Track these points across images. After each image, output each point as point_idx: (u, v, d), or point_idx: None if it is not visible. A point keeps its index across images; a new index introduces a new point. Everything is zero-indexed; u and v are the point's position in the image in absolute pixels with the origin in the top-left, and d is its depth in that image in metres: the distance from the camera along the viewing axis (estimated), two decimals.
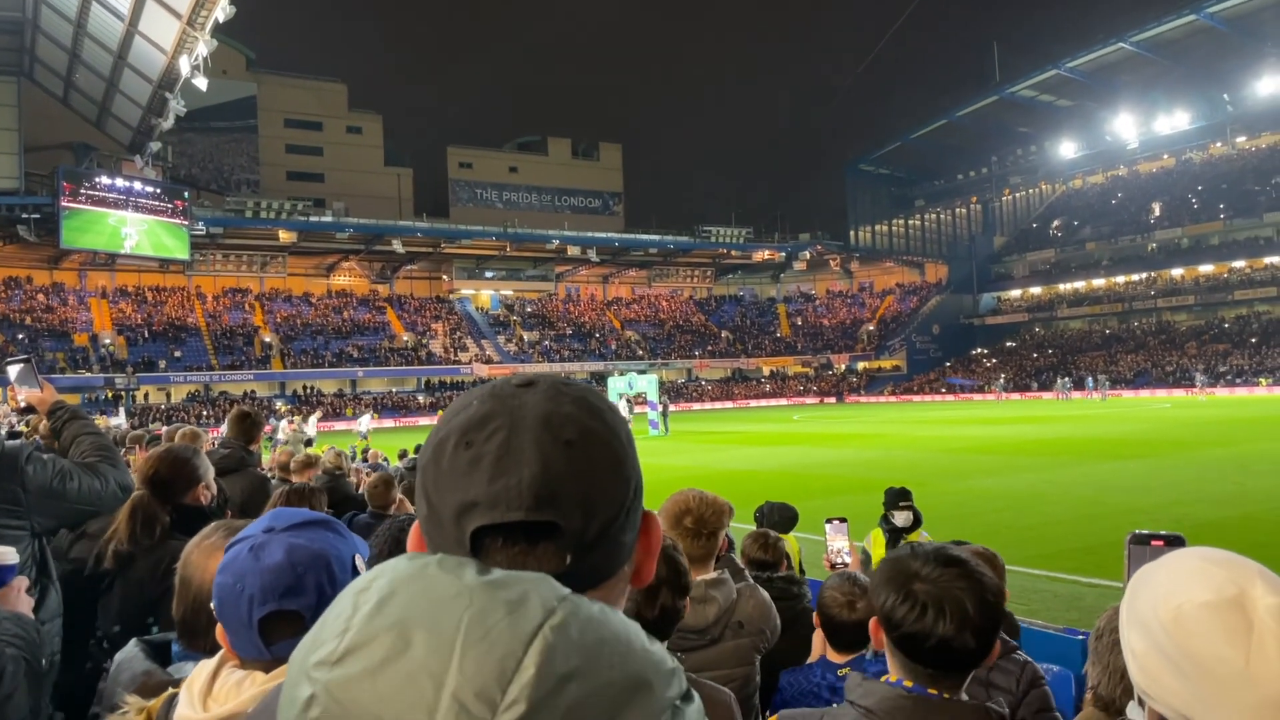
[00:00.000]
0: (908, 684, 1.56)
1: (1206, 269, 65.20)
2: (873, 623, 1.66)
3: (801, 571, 6.35)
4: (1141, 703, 1.13)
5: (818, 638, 3.05)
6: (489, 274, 74.62)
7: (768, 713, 2.93)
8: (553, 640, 0.58)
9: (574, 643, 0.58)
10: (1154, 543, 1.63)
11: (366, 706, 0.56)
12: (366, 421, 36.35)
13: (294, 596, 1.35)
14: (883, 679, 1.62)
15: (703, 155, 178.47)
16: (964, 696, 1.61)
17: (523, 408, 0.73)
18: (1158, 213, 70.50)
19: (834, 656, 2.87)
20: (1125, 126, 72.93)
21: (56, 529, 2.97)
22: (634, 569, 0.79)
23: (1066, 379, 55.18)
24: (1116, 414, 36.17)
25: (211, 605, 1.42)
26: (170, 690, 1.44)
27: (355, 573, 1.43)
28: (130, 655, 1.87)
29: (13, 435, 3.31)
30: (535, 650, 0.57)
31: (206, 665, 1.39)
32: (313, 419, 38.07)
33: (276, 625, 1.35)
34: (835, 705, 1.75)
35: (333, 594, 1.37)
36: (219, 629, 1.41)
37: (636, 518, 0.77)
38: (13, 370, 3.38)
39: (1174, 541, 1.62)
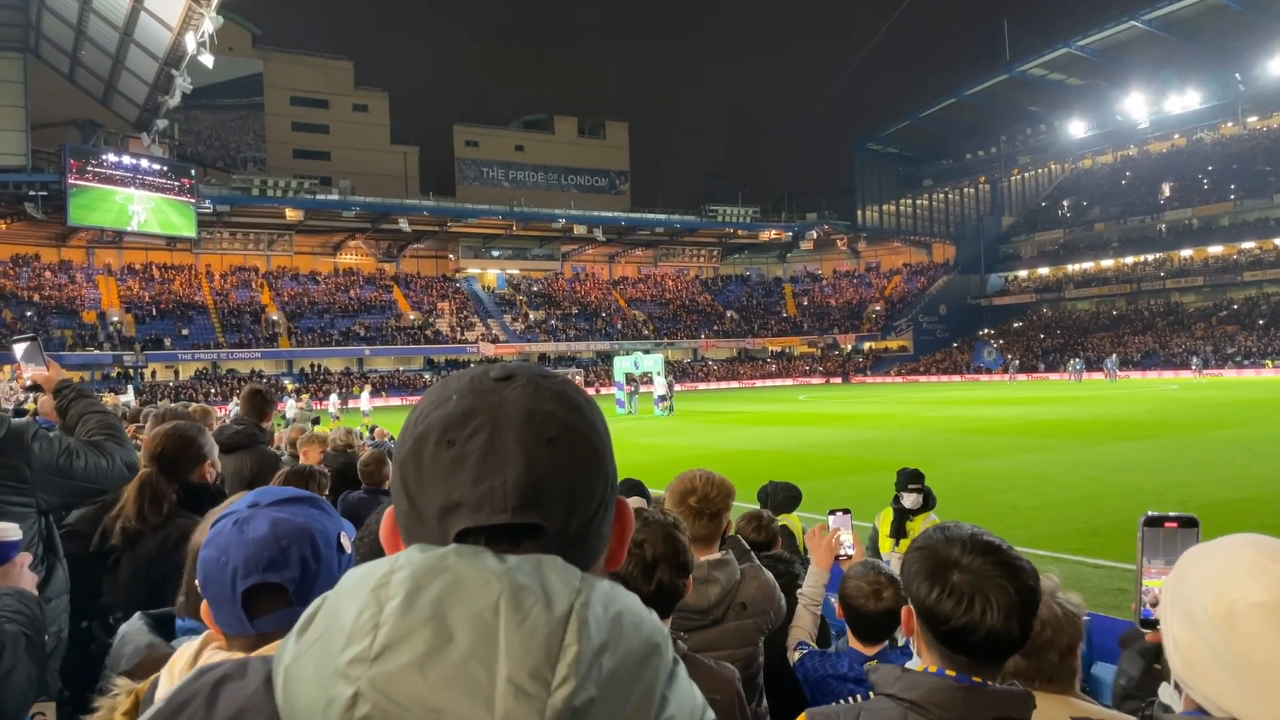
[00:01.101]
0: (951, 673, 1.52)
1: (1216, 250, 64.85)
2: (905, 611, 1.61)
3: (805, 551, 6.36)
4: (1179, 688, 1.12)
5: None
6: (495, 253, 74.55)
7: (800, 701, 2.93)
8: (585, 617, 0.61)
9: (600, 618, 0.62)
10: (1168, 524, 1.61)
11: (420, 699, 0.57)
12: (366, 399, 36.97)
13: (277, 569, 1.36)
14: (920, 669, 1.58)
15: (709, 134, 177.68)
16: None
17: (504, 404, 0.74)
18: (1167, 193, 70.07)
19: (860, 647, 2.86)
20: (1136, 106, 72.30)
21: (62, 507, 2.99)
22: (607, 555, 0.80)
23: (1078, 360, 54.95)
24: (1122, 395, 36.10)
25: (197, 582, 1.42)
26: (157, 674, 1.45)
27: (341, 550, 1.44)
28: (134, 629, 1.89)
29: (19, 413, 3.32)
30: (573, 629, 0.60)
31: (189, 646, 1.40)
32: (333, 398, 38.92)
33: (260, 598, 1.36)
34: (865, 700, 1.71)
35: (317, 568, 1.38)
36: (203, 606, 1.41)
37: (613, 510, 0.78)
38: (19, 348, 3.39)
39: (1188, 523, 1.61)
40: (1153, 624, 1.42)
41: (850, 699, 1.75)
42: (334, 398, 39.63)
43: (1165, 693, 1.15)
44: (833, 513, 3.25)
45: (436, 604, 0.61)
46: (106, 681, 1.88)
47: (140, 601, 2.41)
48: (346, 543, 1.46)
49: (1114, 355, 54.53)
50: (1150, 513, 1.60)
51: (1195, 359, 50.50)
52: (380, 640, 0.60)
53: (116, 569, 2.89)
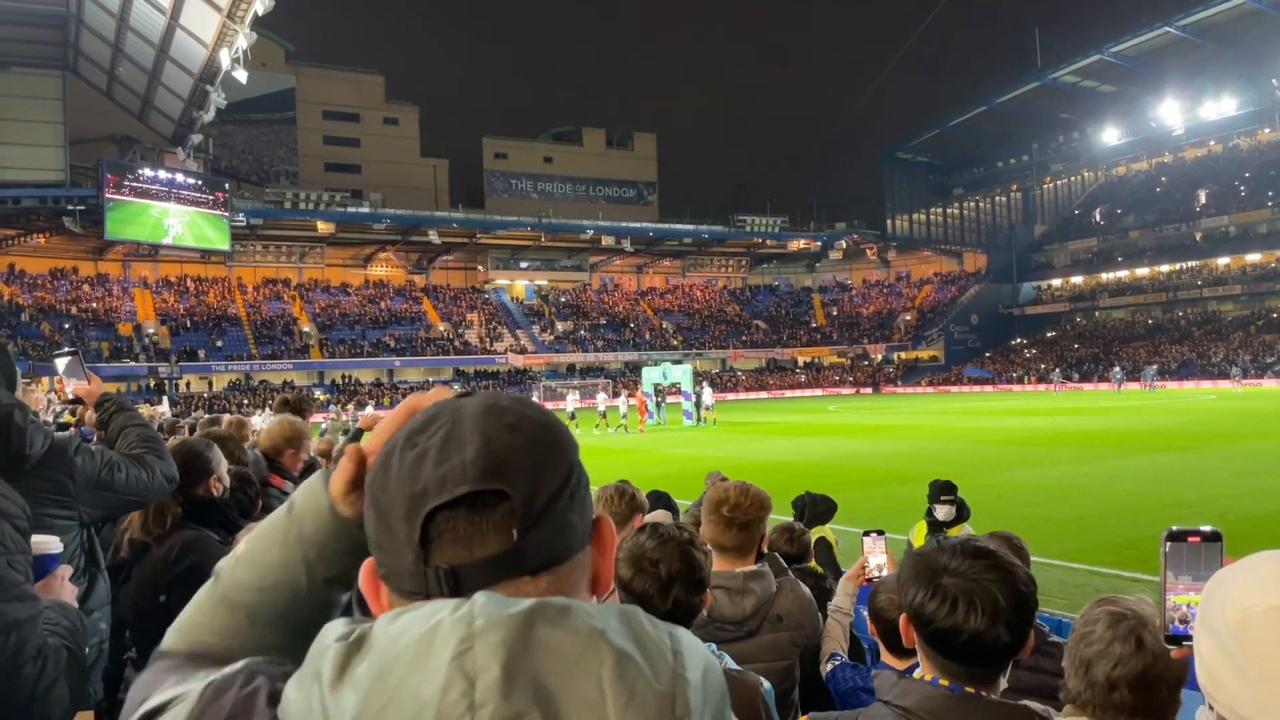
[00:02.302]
0: (944, 682, 1.52)
1: (1254, 258, 63.77)
2: (903, 620, 1.62)
3: (835, 563, 6.32)
4: (1211, 707, 1.11)
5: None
6: (524, 264, 74.92)
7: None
8: (686, 682, 0.60)
9: (696, 680, 0.61)
10: (1191, 539, 1.59)
11: None
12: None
13: None
14: (916, 676, 1.59)
15: (737, 144, 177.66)
16: (1002, 684, 1.59)
17: (464, 405, 0.76)
18: (1204, 200, 69.06)
19: (893, 661, 2.84)
20: (1170, 112, 71.45)
21: (103, 519, 3.04)
22: (593, 575, 0.78)
23: (1119, 369, 53.98)
24: (1159, 405, 35.57)
25: None
26: None
27: None
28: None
29: (61, 427, 3.37)
30: (680, 701, 0.59)
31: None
32: (369, 409, 39.17)
33: None
34: (867, 707, 1.72)
35: None
36: None
37: (583, 504, 0.77)
38: (61, 363, 3.45)
39: (1211, 538, 1.58)
40: (1178, 640, 1.42)
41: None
42: (369, 409, 39.98)
43: (1202, 714, 1.17)
44: (866, 535, 3.23)
45: (537, 681, 0.57)
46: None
47: (149, 612, 2.44)
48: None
49: (1153, 365, 53.54)
50: (1173, 527, 1.59)
51: (1235, 368, 49.57)
52: None
53: (127, 583, 2.94)
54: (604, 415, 34.27)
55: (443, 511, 0.69)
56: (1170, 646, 1.44)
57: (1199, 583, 1.51)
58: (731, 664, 2.29)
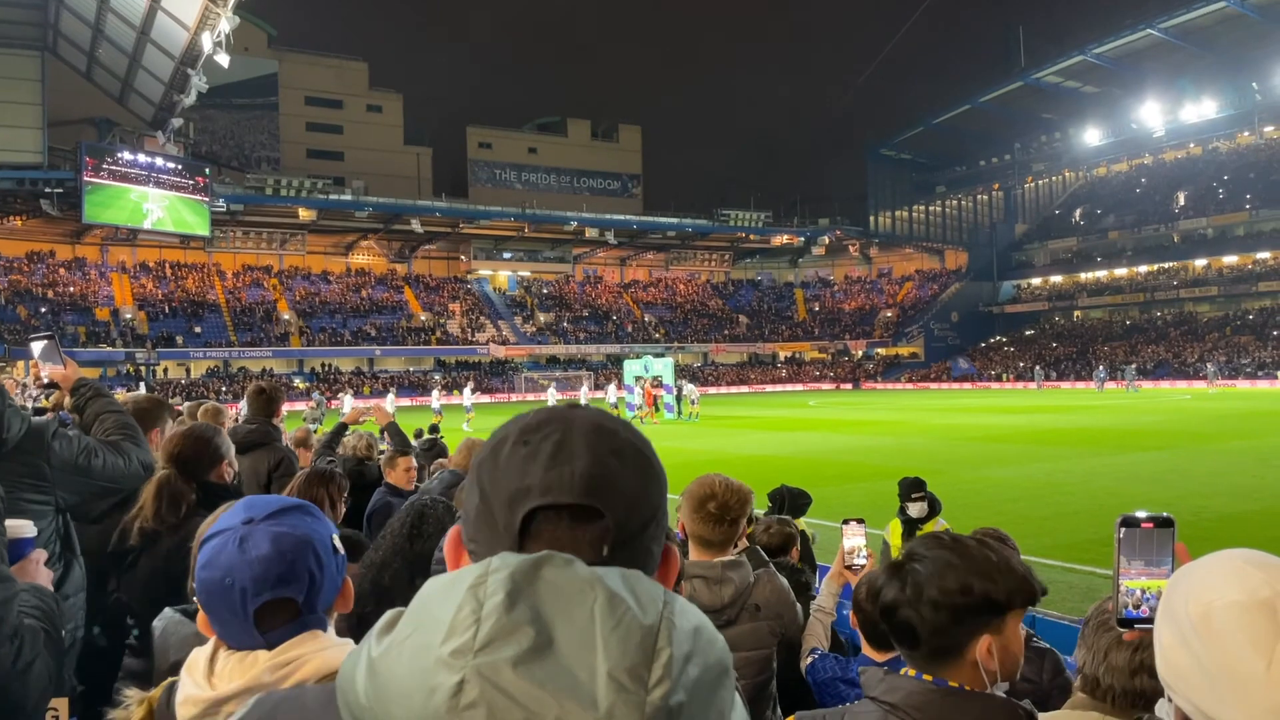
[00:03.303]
0: (928, 677, 1.53)
1: (1231, 260, 64.49)
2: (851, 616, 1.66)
3: (812, 556, 6.36)
4: (1170, 699, 1.13)
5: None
6: (507, 255, 74.69)
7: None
8: (674, 624, 0.65)
9: (685, 629, 0.65)
10: (1144, 525, 1.62)
11: (526, 689, 0.60)
12: (468, 395, 38.15)
13: (287, 584, 1.36)
14: (903, 672, 1.59)
15: (722, 138, 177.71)
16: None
17: (575, 417, 0.82)
18: (1182, 202, 69.72)
19: (873, 654, 2.86)
20: (1151, 114, 72.06)
21: (80, 505, 3.01)
22: None
23: (1102, 368, 54.08)
24: (1135, 405, 35.91)
25: (196, 599, 1.42)
26: (168, 681, 1.45)
27: (335, 552, 1.45)
28: (175, 621, 1.92)
29: (38, 412, 3.33)
30: (664, 634, 0.64)
31: (203, 651, 1.40)
32: (390, 397, 39.40)
33: (271, 613, 1.36)
34: (853, 703, 1.72)
35: (321, 576, 1.39)
36: (201, 618, 1.41)
37: (662, 535, 0.83)
38: (37, 346, 3.41)
39: (1164, 523, 1.61)
40: (1130, 624, 1.43)
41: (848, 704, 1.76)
42: (436, 393, 40.94)
43: (1162, 706, 1.18)
44: (845, 522, 3.21)
45: (535, 605, 0.64)
46: (152, 669, 1.91)
47: (159, 599, 2.43)
48: (338, 543, 1.47)
49: (1132, 365, 53.74)
50: (1126, 514, 1.61)
51: (1210, 367, 49.83)
52: (484, 633, 0.62)
53: (134, 569, 2.90)
54: (615, 407, 34.52)
55: (545, 512, 0.76)
56: (1122, 630, 1.46)
57: (1150, 568, 1.54)
58: None
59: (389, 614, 0.71)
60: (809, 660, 3.01)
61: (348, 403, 36.09)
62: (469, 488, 0.83)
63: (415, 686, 0.62)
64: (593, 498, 0.76)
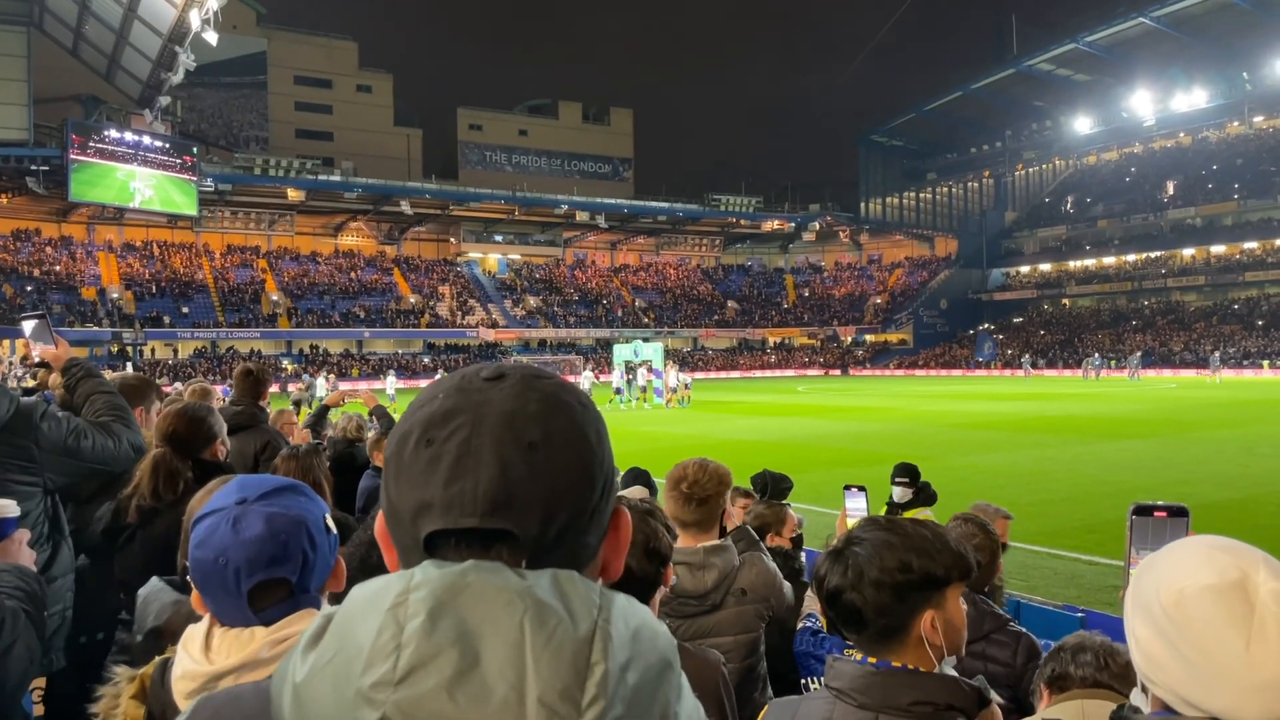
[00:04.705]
0: (872, 660, 1.55)
1: (1218, 250, 64.78)
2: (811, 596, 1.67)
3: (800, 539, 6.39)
4: (1145, 690, 1.13)
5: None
6: (497, 238, 74.43)
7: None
8: (609, 634, 0.61)
9: (622, 634, 0.62)
10: (1157, 514, 1.63)
11: None
12: (391, 383, 37.80)
13: (280, 565, 1.38)
14: (846, 653, 1.62)
15: (714, 124, 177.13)
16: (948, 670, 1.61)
17: (486, 405, 0.72)
18: (1171, 191, 69.93)
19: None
20: (1142, 103, 72.17)
21: (68, 487, 3.00)
22: (602, 565, 0.79)
23: (1096, 356, 53.70)
24: (1122, 393, 36.11)
25: (189, 578, 1.43)
26: (161, 657, 1.47)
27: (328, 532, 1.46)
28: (156, 589, 1.93)
29: (27, 392, 3.32)
30: (598, 647, 0.60)
31: (199, 627, 1.42)
32: (390, 378, 39.57)
33: (265, 592, 1.38)
34: (814, 689, 1.74)
35: (314, 556, 1.40)
36: (195, 596, 1.42)
37: (604, 518, 0.76)
38: (28, 325, 3.39)
39: (1177, 513, 1.62)
40: None
41: (810, 682, 1.78)
42: (391, 377, 40.53)
43: (1136, 695, 1.18)
44: (848, 488, 3.18)
45: (460, 624, 0.60)
46: (130, 638, 1.92)
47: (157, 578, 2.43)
48: (331, 524, 1.48)
49: (1137, 354, 52.20)
50: (1139, 502, 1.62)
51: (1215, 357, 47.73)
52: (405, 662, 0.59)
53: (130, 546, 2.90)
54: (620, 392, 35.23)
55: (447, 534, 0.70)
56: None
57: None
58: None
59: (317, 622, 0.66)
60: (800, 626, 3.03)
61: (319, 386, 35.84)
62: (382, 486, 0.77)
63: None
64: (498, 518, 0.69)
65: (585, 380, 37.44)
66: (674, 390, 35.39)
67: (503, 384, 0.74)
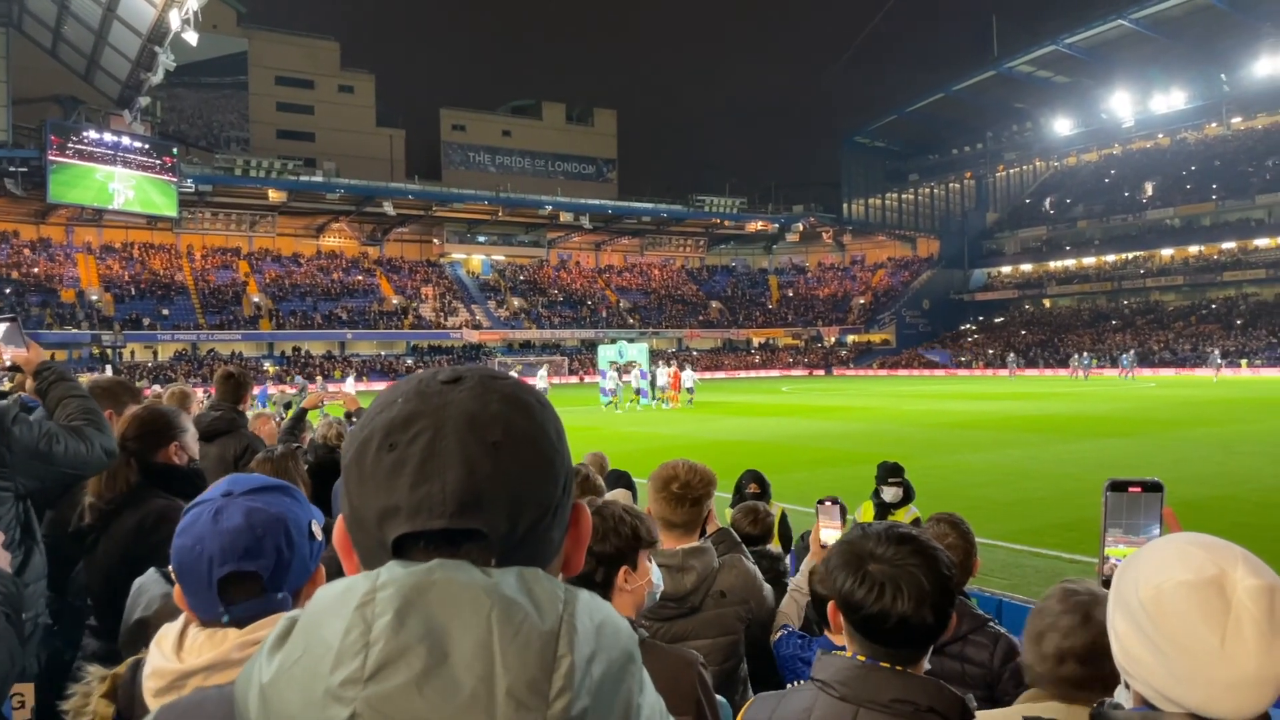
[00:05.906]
0: (861, 657, 1.58)
1: (1196, 250, 65.37)
2: (830, 607, 1.67)
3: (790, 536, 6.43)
4: (1128, 685, 1.15)
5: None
6: (481, 238, 74.23)
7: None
8: (575, 627, 0.62)
9: (587, 628, 0.63)
10: (1131, 489, 1.63)
11: (420, 717, 0.58)
12: (350, 385, 37.14)
13: (252, 558, 1.39)
14: (835, 652, 1.65)
15: (698, 124, 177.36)
16: (925, 666, 1.63)
17: (447, 407, 0.73)
18: (1150, 192, 70.51)
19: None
20: (1121, 104, 72.76)
21: (40, 491, 2.97)
22: (564, 560, 0.80)
23: (1084, 354, 53.38)
24: (1103, 392, 36.37)
25: (170, 567, 1.46)
26: (134, 657, 1.48)
27: (312, 537, 1.47)
28: (150, 580, 1.94)
29: (2, 395, 3.28)
30: (564, 640, 0.61)
31: (173, 625, 1.44)
32: (349, 382, 39.39)
33: (235, 586, 1.40)
34: (800, 681, 1.76)
35: (290, 556, 1.42)
36: (176, 591, 1.44)
37: (565, 514, 0.78)
38: None
39: (1151, 488, 1.62)
40: None
41: (797, 684, 1.79)
42: (350, 381, 40.58)
43: (1119, 693, 1.19)
44: (820, 503, 3.17)
45: (427, 621, 0.61)
46: (122, 629, 1.91)
47: (119, 582, 2.41)
48: (318, 530, 1.49)
49: (1130, 352, 51.76)
50: (1114, 478, 1.62)
51: (1216, 354, 47.27)
52: (374, 659, 0.59)
53: (94, 549, 2.89)
54: (636, 392, 35.40)
55: (416, 536, 0.70)
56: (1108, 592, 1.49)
57: (1131, 535, 1.55)
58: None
59: (282, 623, 0.67)
60: (777, 636, 3.03)
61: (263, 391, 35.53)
62: (341, 492, 0.77)
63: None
64: (467, 518, 0.69)
65: (540, 381, 37.28)
66: (689, 390, 35.55)
67: (461, 386, 0.75)
